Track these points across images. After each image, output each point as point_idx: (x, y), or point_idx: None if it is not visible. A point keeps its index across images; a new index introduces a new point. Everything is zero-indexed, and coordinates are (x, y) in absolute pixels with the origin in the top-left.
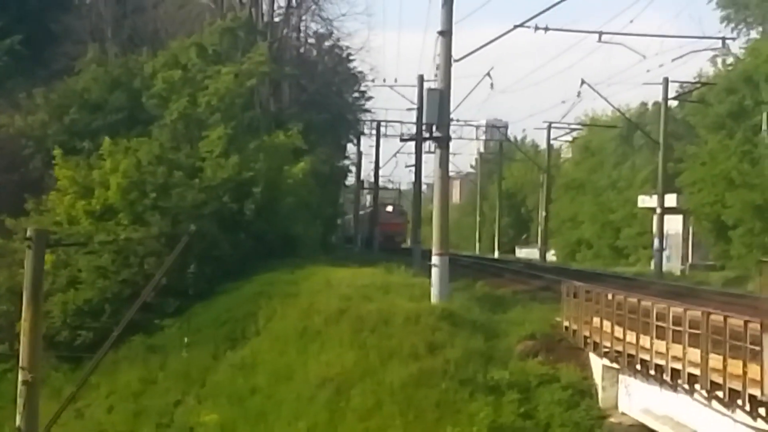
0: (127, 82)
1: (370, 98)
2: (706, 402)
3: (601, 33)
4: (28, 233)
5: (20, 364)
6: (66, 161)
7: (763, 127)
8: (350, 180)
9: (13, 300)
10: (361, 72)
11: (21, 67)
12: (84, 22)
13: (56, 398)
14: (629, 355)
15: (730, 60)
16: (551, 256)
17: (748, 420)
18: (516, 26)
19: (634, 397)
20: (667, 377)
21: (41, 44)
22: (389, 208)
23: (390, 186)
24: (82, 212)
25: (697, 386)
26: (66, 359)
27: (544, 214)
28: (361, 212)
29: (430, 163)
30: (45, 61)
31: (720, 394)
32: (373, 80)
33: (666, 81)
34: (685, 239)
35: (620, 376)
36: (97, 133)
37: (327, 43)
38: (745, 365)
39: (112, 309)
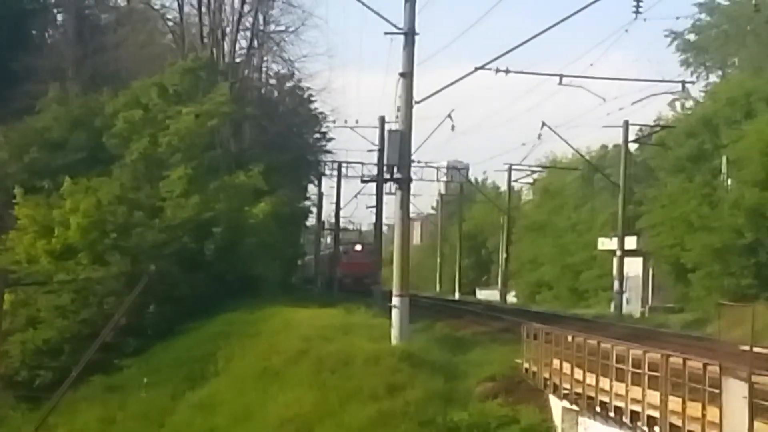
0: (88, 121)
1: (331, 139)
2: None
3: (561, 76)
4: None
5: None
6: (26, 200)
7: (723, 170)
8: (311, 221)
9: None
10: (322, 113)
11: None
12: (45, 62)
13: None
14: (589, 397)
15: (689, 103)
16: (512, 297)
17: None
18: (477, 68)
19: None
20: (626, 419)
21: (1, 83)
22: (358, 247)
23: (351, 227)
24: (42, 251)
25: (657, 429)
26: (24, 399)
27: (504, 255)
28: (322, 253)
29: (391, 204)
30: (5, 100)
31: None
32: (334, 121)
33: (626, 124)
34: (644, 281)
35: (580, 418)
36: (57, 173)
37: (288, 84)
38: (704, 407)
39: (72, 349)
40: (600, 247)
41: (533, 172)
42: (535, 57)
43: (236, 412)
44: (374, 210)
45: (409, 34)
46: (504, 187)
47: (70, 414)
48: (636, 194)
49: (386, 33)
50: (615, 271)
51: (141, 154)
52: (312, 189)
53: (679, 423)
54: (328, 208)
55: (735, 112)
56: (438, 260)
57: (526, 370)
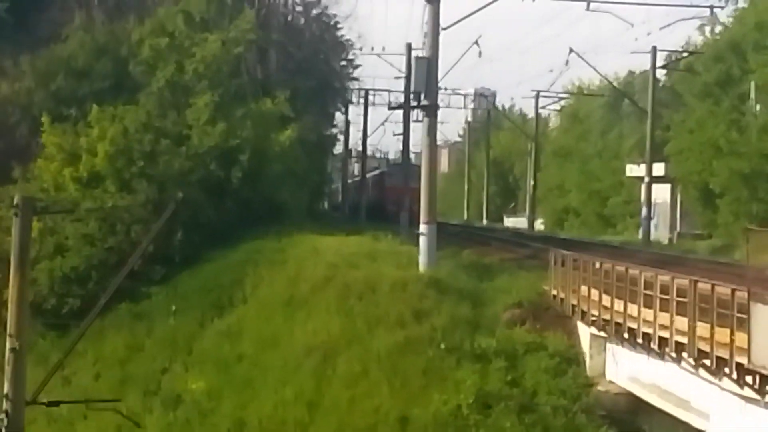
0: (114, 49)
1: (357, 66)
2: (693, 370)
3: (589, 1)
4: (15, 200)
5: (7, 331)
6: (53, 128)
7: (751, 95)
8: (338, 148)
9: (1, 268)
10: (348, 40)
11: (5, 35)
12: None
13: (43, 365)
14: (617, 324)
15: (717, 28)
16: (539, 224)
17: (735, 388)
18: None
19: (622, 365)
20: (654, 345)
21: (26, 11)
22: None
23: (378, 155)
24: (69, 179)
25: (685, 354)
26: (53, 326)
27: (532, 182)
28: (350, 180)
29: (418, 132)
30: (30, 28)
31: (707, 362)
32: (360, 48)
33: (654, 49)
34: (672, 208)
35: (607, 345)
36: (83, 101)
37: (314, 11)
38: (732, 333)
39: (99, 276)
40: (628, 173)
41: (560, 98)
42: None
43: (263, 338)
44: (401, 138)
45: None
46: (531, 114)
47: (98, 341)
48: (663, 120)
49: None
50: (643, 197)
51: (167, 81)
52: (339, 117)
53: (707, 349)
54: (355, 136)
55: (763, 37)
56: (465, 187)
57: (554, 296)
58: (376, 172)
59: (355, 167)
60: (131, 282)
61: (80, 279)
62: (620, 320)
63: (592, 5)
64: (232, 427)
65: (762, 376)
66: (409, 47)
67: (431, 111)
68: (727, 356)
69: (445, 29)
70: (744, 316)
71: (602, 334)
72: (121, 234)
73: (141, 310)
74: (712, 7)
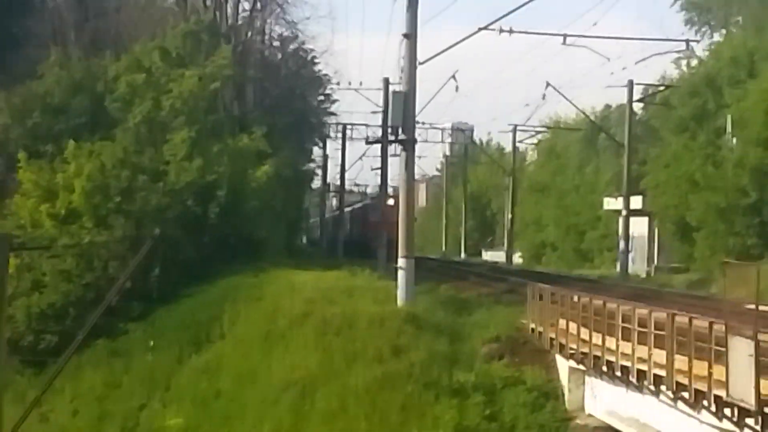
0: (90, 85)
1: (335, 101)
2: (671, 403)
3: (565, 35)
4: None
5: None
6: (29, 165)
7: (727, 129)
8: (316, 183)
9: None
10: (325, 75)
11: None
12: (46, 26)
13: (20, 402)
14: (595, 357)
15: (693, 63)
16: (517, 258)
17: (714, 421)
18: (480, 29)
19: (600, 398)
20: (633, 378)
21: (2, 48)
22: (391, 201)
23: (356, 189)
24: (46, 215)
25: (663, 387)
26: (30, 363)
27: (509, 216)
28: (327, 215)
29: (395, 166)
30: (6, 64)
31: (686, 395)
32: (337, 83)
33: (630, 83)
34: (649, 241)
35: (586, 378)
36: (60, 137)
37: (291, 46)
38: (710, 366)
39: (76, 313)
40: (605, 206)
41: (537, 132)
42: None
43: (241, 374)
44: (379, 172)
45: None
46: (508, 148)
47: (76, 378)
48: (640, 154)
49: None
50: (620, 231)
51: (144, 117)
52: (317, 152)
53: (685, 381)
54: (332, 171)
55: (738, 71)
56: (443, 221)
57: (532, 330)
58: (358, 205)
59: (334, 202)
60: (109, 318)
61: (57, 315)
62: (599, 353)
63: (568, 39)
64: None
65: (740, 408)
66: (386, 82)
67: (409, 145)
68: (705, 389)
69: (422, 64)
70: (722, 349)
71: (581, 367)
72: (99, 270)
73: (119, 347)
74: (687, 41)
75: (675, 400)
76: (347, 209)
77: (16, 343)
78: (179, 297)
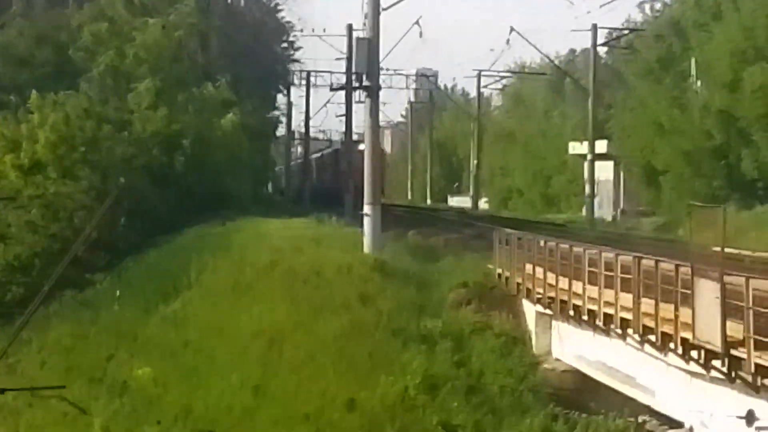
0: (54, 35)
1: (299, 48)
2: (638, 347)
3: None
4: None
5: None
6: None
7: (692, 73)
8: (281, 131)
9: None
10: (289, 22)
11: None
12: None
13: None
14: (562, 301)
15: (658, 6)
16: (484, 204)
17: (681, 363)
18: None
19: (568, 343)
20: (599, 323)
21: None
22: (361, 147)
23: (321, 137)
24: (10, 166)
25: (630, 331)
26: None
27: (475, 162)
28: (293, 163)
29: (360, 114)
30: None
31: (652, 338)
32: (301, 30)
33: (594, 27)
34: (616, 186)
35: (553, 323)
36: (24, 88)
37: None
38: (676, 309)
39: (42, 264)
40: (571, 151)
41: (502, 78)
42: None
43: (209, 325)
44: (344, 119)
45: None
46: (473, 94)
47: (43, 329)
48: (605, 99)
49: None
50: (586, 176)
51: (107, 66)
52: (281, 99)
53: (652, 324)
54: (297, 118)
55: (703, 15)
56: (409, 168)
57: (499, 276)
58: (327, 152)
59: (299, 150)
60: (75, 269)
61: (24, 267)
62: (565, 298)
63: None
64: (178, 414)
65: (707, 351)
66: (350, 28)
67: (373, 92)
68: (672, 332)
69: (385, 9)
70: (688, 291)
71: (548, 312)
72: (64, 221)
73: (85, 298)
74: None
75: (642, 343)
76: (314, 156)
77: None
78: (146, 247)
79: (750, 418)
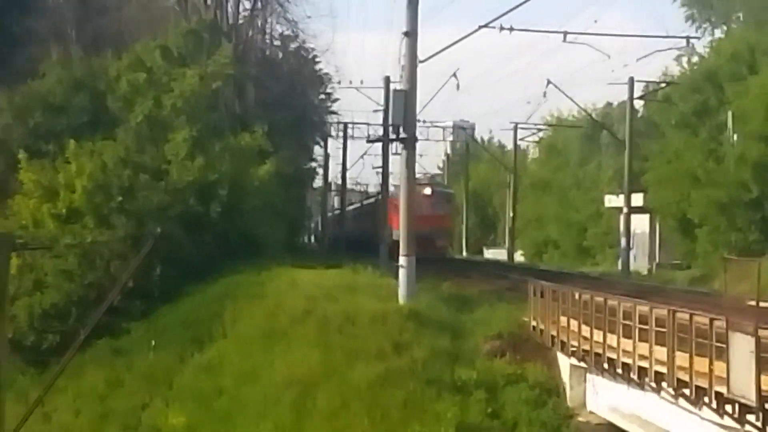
0: (92, 84)
1: (336, 100)
2: (673, 400)
3: (565, 33)
4: None
5: None
6: (30, 164)
7: (728, 125)
8: (318, 182)
9: None
10: (326, 73)
11: None
12: (46, 24)
13: (23, 401)
14: (596, 354)
15: (694, 59)
16: (519, 255)
17: (715, 417)
18: (481, 26)
19: (602, 395)
20: (634, 375)
21: (2, 46)
22: (427, 191)
23: (357, 188)
24: (48, 215)
25: (664, 384)
26: (32, 363)
27: (511, 214)
28: (330, 213)
29: (397, 165)
30: (7, 63)
31: (687, 391)
32: (338, 82)
33: (631, 80)
34: (651, 238)
35: (588, 375)
36: (61, 136)
37: (292, 45)
38: (711, 363)
39: (78, 312)
40: (606, 204)
41: (539, 130)
42: (538, 14)
43: (243, 372)
44: (380, 170)
45: None
46: (510, 146)
47: (78, 377)
48: (641, 150)
49: None
50: (622, 228)
51: (145, 116)
52: (318, 150)
53: (686, 378)
54: (334, 169)
55: (739, 67)
56: None
57: (534, 327)
58: (367, 202)
59: (335, 200)
60: (110, 317)
61: (60, 315)
62: (600, 350)
63: (569, 37)
64: None
65: (741, 405)
66: (387, 80)
67: (409, 143)
68: (706, 386)
69: (422, 62)
70: (723, 345)
71: (582, 364)
72: (101, 269)
73: (121, 346)
74: (688, 38)
75: (676, 396)
76: (350, 207)
77: (18, 342)
78: (181, 295)
79: None
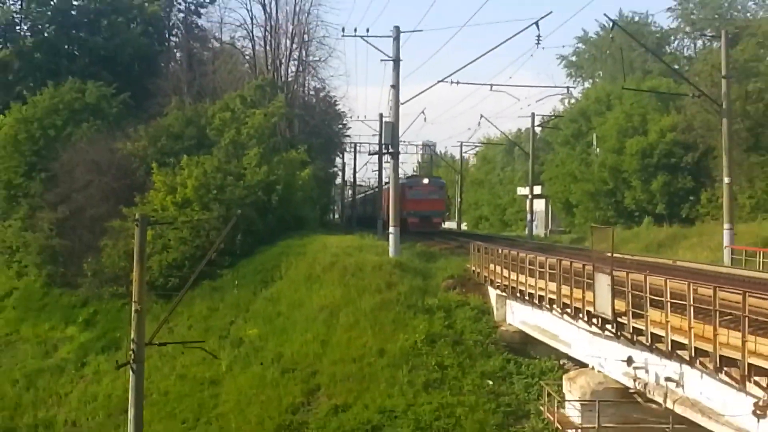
0: (197, 120)
1: (349, 128)
2: (560, 316)
3: (492, 85)
4: (136, 217)
5: (133, 299)
6: (160, 171)
7: (594, 143)
8: (339, 181)
9: (128, 260)
10: (343, 112)
11: (129, 113)
12: (169, 83)
13: (155, 321)
14: (512, 288)
15: (573, 101)
16: (464, 226)
17: (586, 327)
18: (439, 81)
19: (516, 314)
20: (536, 301)
21: (142, 97)
22: (425, 180)
23: (363, 184)
24: (170, 203)
25: (555, 306)
26: (161, 296)
27: (459, 200)
28: (346, 201)
29: (387, 169)
30: (145, 108)
31: (569, 310)
32: (350, 117)
33: (533, 115)
34: (546, 214)
35: (507, 301)
36: (178, 153)
37: (321, 93)
38: (583, 292)
39: (190, 264)
40: (519, 193)
41: (476, 146)
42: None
43: (293, 301)
44: (377, 172)
45: (396, 61)
46: (458, 157)
47: (190, 305)
48: (540, 159)
49: (381, 60)
50: (528, 208)
51: (230, 140)
52: (338, 161)
53: (568, 302)
54: (348, 172)
55: (600, 107)
56: None
57: (473, 271)
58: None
59: (349, 192)
60: (210, 267)
61: (178, 266)
62: (514, 285)
63: (495, 87)
64: (274, 358)
65: (602, 318)
66: (380, 116)
67: (395, 156)
68: (581, 306)
69: (403, 104)
70: (590, 281)
71: (504, 294)
72: (203, 237)
73: (217, 285)
74: (568, 88)
75: (562, 313)
76: (359, 197)
77: (152, 283)
78: (254, 253)
79: (629, 360)
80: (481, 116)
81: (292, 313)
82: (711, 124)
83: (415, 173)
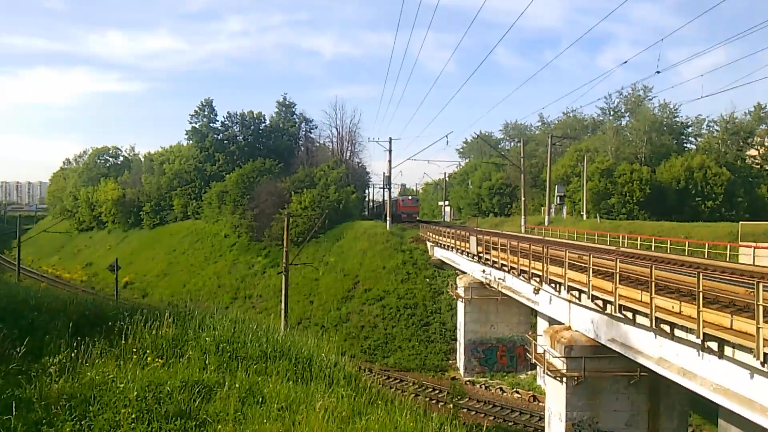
0: (311, 176)
1: (370, 177)
2: (457, 253)
3: (429, 160)
4: (285, 213)
5: (284, 247)
6: (294, 195)
7: (470, 184)
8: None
9: (282, 231)
10: (368, 171)
11: (282, 172)
12: (297, 159)
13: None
14: (437, 241)
15: (460, 167)
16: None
17: (467, 257)
18: (407, 159)
19: (437, 252)
20: (446, 247)
21: (288, 165)
22: (410, 197)
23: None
24: (299, 208)
25: (454, 249)
26: (295, 244)
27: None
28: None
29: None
30: (288, 170)
31: (461, 251)
32: (370, 172)
33: (446, 174)
34: (450, 213)
35: (435, 248)
36: (303, 190)
37: (360, 163)
38: (467, 242)
39: (307, 232)
40: (439, 204)
41: (426, 184)
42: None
43: (347, 249)
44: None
45: (389, 151)
46: (418, 188)
47: (307, 248)
48: (448, 190)
49: (384, 150)
50: (443, 210)
51: (322, 185)
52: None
53: (459, 246)
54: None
55: (471, 173)
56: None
57: (422, 236)
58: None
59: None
60: (315, 234)
61: (302, 233)
62: (439, 240)
63: (432, 162)
64: (341, 269)
65: (474, 255)
66: (384, 174)
67: (390, 188)
68: (465, 249)
69: (394, 167)
70: (467, 239)
71: (433, 244)
72: (313, 221)
73: (319, 240)
74: (459, 163)
75: (458, 252)
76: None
77: (293, 240)
78: (332, 228)
79: (484, 271)
80: (425, 174)
81: (347, 251)
82: (516, 176)
83: (402, 194)
